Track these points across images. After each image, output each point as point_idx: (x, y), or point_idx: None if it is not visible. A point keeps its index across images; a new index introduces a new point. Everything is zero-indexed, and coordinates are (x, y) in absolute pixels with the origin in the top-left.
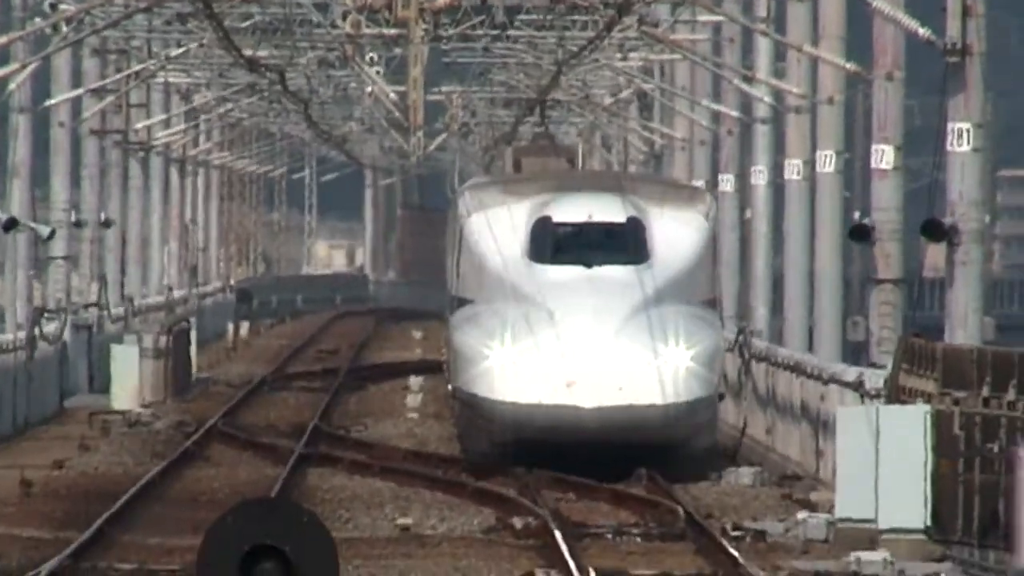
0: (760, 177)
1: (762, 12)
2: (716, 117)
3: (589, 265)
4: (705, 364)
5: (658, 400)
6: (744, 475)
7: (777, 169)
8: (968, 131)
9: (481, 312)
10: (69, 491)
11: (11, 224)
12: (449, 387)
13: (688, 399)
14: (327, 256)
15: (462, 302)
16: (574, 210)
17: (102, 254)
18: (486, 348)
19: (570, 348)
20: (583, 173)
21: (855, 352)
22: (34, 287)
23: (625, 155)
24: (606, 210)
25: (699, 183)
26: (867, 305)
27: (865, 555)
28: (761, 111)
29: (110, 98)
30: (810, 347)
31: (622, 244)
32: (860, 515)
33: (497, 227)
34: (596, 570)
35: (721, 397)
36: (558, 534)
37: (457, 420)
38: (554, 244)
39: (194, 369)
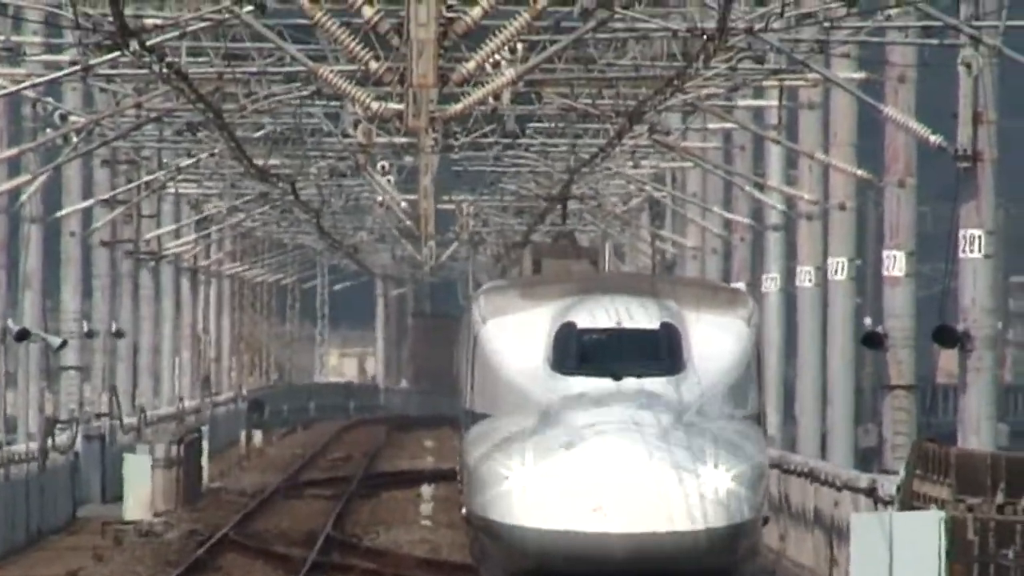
0: (772, 284)
1: (773, 119)
2: (728, 224)
3: (618, 376)
4: (748, 485)
5: (696, 526)
6: None
7: (789, 276)
8: (980, 238)
9: (499, 428)
10: None
11: (23, 335)
12: (463, 511)
13: (729, 523)
14: (338, 365)
15: (477, 416)
16: (601, 315)
17: (114, 364)
18: (504, 468)
19: (598, 469)
20: (610, 275)
21: (866, 459)
22: (46, 397)
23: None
24: (637, 315)
25: (740, 285)
26: (879, 411)
27: None
28: (773, 218)
29: (120, 208)
30: (823, 453)
31: (655, 353)
32: None
33: (516, 334)
34: None
35: (765, 521)
36: None
37: (472, 548)
38: (579, 353)
39: (206, 478)
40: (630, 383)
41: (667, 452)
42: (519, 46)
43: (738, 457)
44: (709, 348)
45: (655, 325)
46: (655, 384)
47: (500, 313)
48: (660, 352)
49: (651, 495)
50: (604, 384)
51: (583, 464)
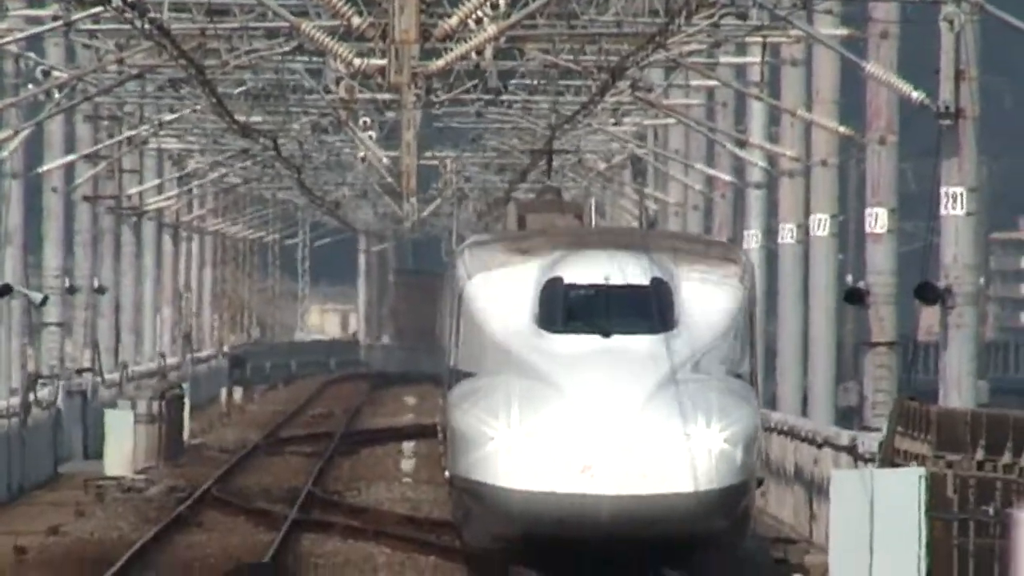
0: (753, 241)
1: (755, 76)
2: (709, 181)
3: (607, 334)
4: (741, 445)
5: (688, 487)
6: None
7: (770, 233)
8: (962, 195)
9: (484, 387)
10: (64, 557)
11: (5, 291)
12: (446, 473)
13: (722, 485)
14: (320, 321)
15: (461, 375)
16: (590, 271)
17: (95, 320)
18: (489, 428)
19: (586, 428)
20: (599, 229)
21: (846, 417)
22: (28, 353)
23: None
24: (626, 271)
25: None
26: (860, 369)
27: None
28: (755, 175)
29: (102, 164)
30: (804, 410)
31: (645, 310)
32: None
33: (502, 290)
34: None
35: (760, 483)
36: None
37: (455, 511)
38: (567, 310)
39: (187, 434)
40: (619, 341)
41: (657, 412)
42: (501, 2)
43: (731, 417)
44: (701, 305)
45: (645, 281)
46: (645, 342)
47: (485, 268)
48: (650, 309)
49: (641, 456)
50: (592, 342)
51: (571, 424)
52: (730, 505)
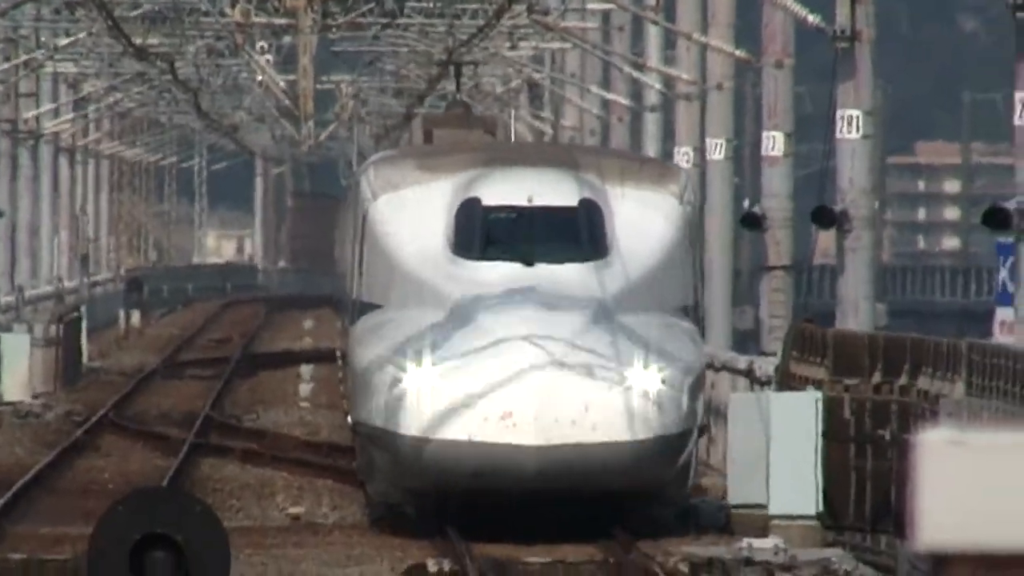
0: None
1: (652, 0)
2: (606, 105)
3: (530, 262)
4: (682, 388)
5: (622, 436)
6: None
7: (666, 157)
8: (858, 118)
9: (392, 322)
10: None
11: None
12: (348, 418)
13: (661, 434)
14: (217, 246)
15: (366, 308)
16: (511, 190)
17: None
18: (398, 370)
19: (507, 370)
20: (519, 144)
21: (742, 341)
22: None
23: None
24: (552, 190)
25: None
26: (756, 293)
27: (757, 541)
28: (651, 99)
29: None
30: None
31: (573, 235)
32: (752, 501)
33: (411, 212)
34: (485, 557)
35: (702, 431)
36: (450, 531)
37: (360, 461)
38: (485, 234)
39: (85, 359)
40: (544, 270)
41: (587, 351)
42: None
43: (671, 357)
44: (636, 229)
45: (573, 202)
46: (573, 271)
47: (393, 188)
48: (579, 234)
49: (569, 401)
50: (514, 271)
51: (490, 365)
52: (670, 456)
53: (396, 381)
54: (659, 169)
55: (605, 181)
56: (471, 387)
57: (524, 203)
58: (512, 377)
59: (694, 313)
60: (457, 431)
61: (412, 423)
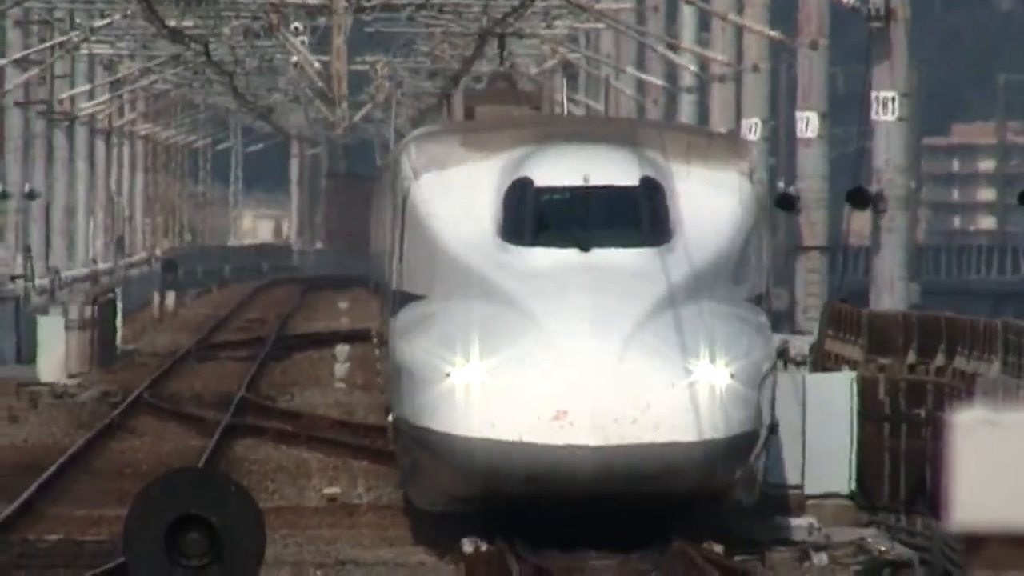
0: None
1: None
2: (641, 86)
3: (586, 248)
4: (751, 385)
5: (687, 436)
6: None
7: None
8: (893, 100)
9: (436, 313)
10: None
11: None
12: (389, 418)
13: (729, 433)
14: (253, 227)
15: (408, 298)
16: (564, 169)
17: (27, 225)
18: (445, 364)
19: (562, 366)
20: (573, 119)
21: (777, 321)
22: None
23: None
24: (610, 169)
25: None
26: (791, 273)
27: (792, 520)
28: (686, 80)
29: (34, 69)
30: None
31: (633, 217)
32: (787, 481)
33: (457, 193)
34: (522, 536)
35: (773, 429)
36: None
37: (401, 463)
38: (536, 218)
39: (119, 340)
40: (601, 256)
41: (648, 345)
42: None
43: (739, 350)
44: (703, 211)
45: (633, 182)
46: (633, 258)
47: (437, 166)
48: (640, 217)
49: (628, 399)
50: (568, 257)
51: (543, 360)
52: (738, 457)
53: (443, 376)
54: (727, 144)
55: (668, 158)
56: (522, 384)
57: (579, 183)
58: (566, 373)
59: (763, 301)
60: (507, 431)
61: (459, 422)
